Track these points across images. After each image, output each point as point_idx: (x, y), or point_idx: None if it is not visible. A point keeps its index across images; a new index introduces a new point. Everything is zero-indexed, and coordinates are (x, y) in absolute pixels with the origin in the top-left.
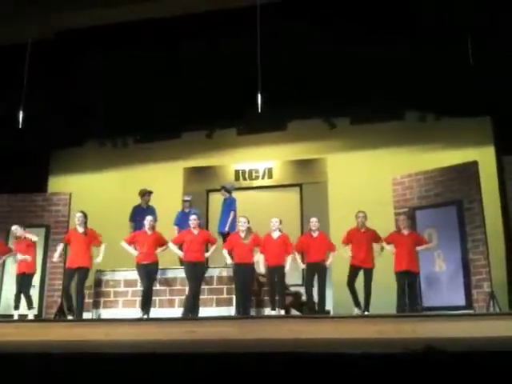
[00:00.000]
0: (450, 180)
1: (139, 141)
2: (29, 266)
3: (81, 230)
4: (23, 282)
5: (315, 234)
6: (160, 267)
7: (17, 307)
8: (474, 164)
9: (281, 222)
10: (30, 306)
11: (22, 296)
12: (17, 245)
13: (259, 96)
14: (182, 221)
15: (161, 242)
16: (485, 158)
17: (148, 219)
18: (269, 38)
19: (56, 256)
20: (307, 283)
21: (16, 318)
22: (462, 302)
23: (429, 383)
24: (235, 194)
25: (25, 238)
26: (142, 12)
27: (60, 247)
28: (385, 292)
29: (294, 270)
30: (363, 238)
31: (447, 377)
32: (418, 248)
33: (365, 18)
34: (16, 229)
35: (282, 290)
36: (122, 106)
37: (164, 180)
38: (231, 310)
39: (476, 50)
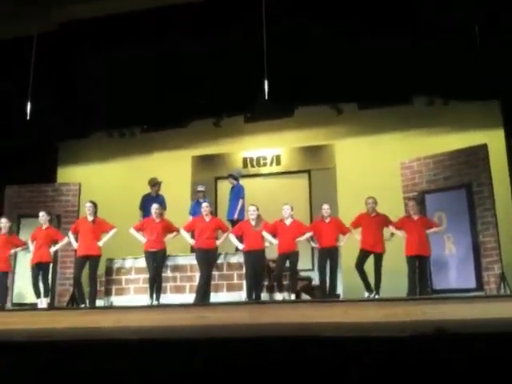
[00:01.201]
0: (459, 163)
1: (146, 130)
2: (45, 255)
3: (90, 219)
4: (41, 271)
5: (327, 220)
6: (171, 254)
7: (38, 296)
8: (484, 147)
9: (292, 208)
10: (47, 294)
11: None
12: (37, 233)
13: (266, 83)
14: (196, 211)
15: (170, 229)
16: (494, 141)
17: (154, 207)
18: (275, 23)
19: (74, 244)
20: (320, 268)
21: (42, 306)
22: (472, 284)
23: (439, 366)
24: (243, 181)
25: (48, 227)
26: (146, 1)
27: (71, 237)
28: (395, 275)
29: (303, 256)
30: (373, 222)
31: (458, 359)
32: (428, 231)
33: (372, 2)
34: (43, 215)
35: (293, 276)
36: (129, 96)
37: (172, 168)
38: (242, 295)
39: (484, 32)
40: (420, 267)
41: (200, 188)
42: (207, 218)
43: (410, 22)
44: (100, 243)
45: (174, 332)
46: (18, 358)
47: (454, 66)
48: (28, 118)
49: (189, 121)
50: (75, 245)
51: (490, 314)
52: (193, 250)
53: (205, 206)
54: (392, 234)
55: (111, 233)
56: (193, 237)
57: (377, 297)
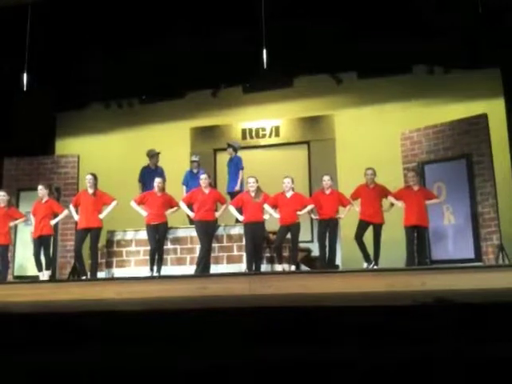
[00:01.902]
0: (459, 134)
1: (145, 101)
2: (46, 228)
3: (90, 191)
4: (43, 244)
5: (328, 192)
6: (171, 226)
7: (40, 269)
8: (484, 117)
9: (293, 181)
10: (48, 266)
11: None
12: (37, 206)
13: (264, 52)
14: (190, 181)
15: (171, 204)
16: (494, 110)
17: (157, 181)
18: None
19: (75, 217)
20: (320, 239)
21: (44, 278)
22: (471, 254)
23: (438, 335)
24: (243, 153)
25: (48, 200)
26: None
27: (72, 210)
28: (393, 246)
29: (302, 227)
30: (372, 193)
31: (457, 328)
32: (427, 202)
33: None
34: (41, 189)
35: (294, 247)
36: (127, 67)
37: (171, 140)
38: (242, 267)
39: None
40: (418, 238)
41: (194, 158)
42: (206, 190)
43: None
44: (101, 215)
45: (175, 303)
46: (21, 330)
47: (455, 33)
48: (25, 89)
49: (187, 91)
50: (76, 217)
51: (488, 284)
52: (191, 222)
53: (203, 178)
54: (391, 205)
55: (112, 205)
56: (191, 209)
57: (375, 267)
